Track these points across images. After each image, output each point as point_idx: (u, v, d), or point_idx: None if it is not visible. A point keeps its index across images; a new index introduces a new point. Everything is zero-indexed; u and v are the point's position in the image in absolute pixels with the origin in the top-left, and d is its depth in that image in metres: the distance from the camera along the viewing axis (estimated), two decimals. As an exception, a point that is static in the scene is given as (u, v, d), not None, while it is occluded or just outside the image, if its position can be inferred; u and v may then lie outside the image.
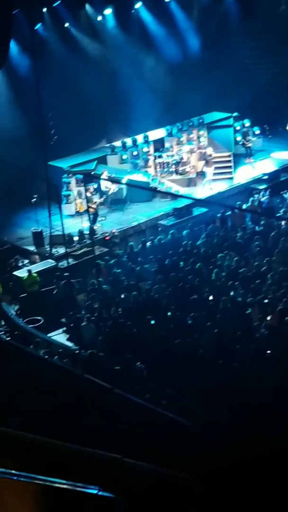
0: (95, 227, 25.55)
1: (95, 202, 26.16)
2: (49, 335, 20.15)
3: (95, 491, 5.46)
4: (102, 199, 26.77)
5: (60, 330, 20.48)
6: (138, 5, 32.94)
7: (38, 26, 29.22)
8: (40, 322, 20.59)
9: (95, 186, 27.53)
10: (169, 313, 19.16)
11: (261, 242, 22.84)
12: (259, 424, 13.86)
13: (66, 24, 30.87)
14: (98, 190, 27.51)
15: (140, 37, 33.31)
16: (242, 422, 14.01)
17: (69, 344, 19.42)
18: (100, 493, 5.46)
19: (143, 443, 9.43)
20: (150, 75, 32.42)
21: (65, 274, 22.36)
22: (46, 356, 16.40)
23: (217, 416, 14.49)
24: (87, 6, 31.48)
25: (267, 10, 36.70)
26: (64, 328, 20.42)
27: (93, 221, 25.83)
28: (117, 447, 7.21)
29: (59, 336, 20.16)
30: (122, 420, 10.63)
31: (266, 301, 18.96)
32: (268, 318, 18.15)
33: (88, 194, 26.24)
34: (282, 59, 36.42)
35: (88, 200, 25.98)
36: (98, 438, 8.67)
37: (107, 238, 24.62)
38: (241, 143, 31.58)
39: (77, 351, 17.79)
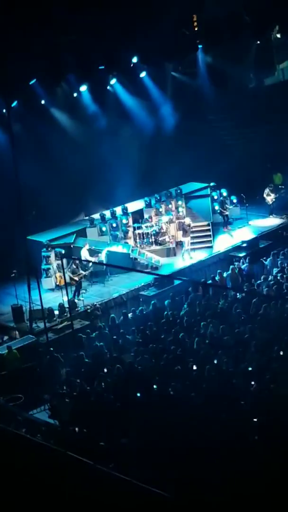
0: (78, 300, 25.39)
1: (79, 274, 26.04)
2: (31, 413, 19.71)
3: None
4: (87, 272, 26.60)
5: (43, 407, 20.05)
6: (113, 81, 33.46)
7: (15, 103, 29.45)
8: (21, 400, 20.15)
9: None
10: (155, 386, 18.86)
11: (243, 309, 22.77)
12: (248, 499, 13.55)
13: (42, 102, 31.16)
14: (80, 263, 27.35)
15: (116, 112, 33.74)
16: (233, 499, 13.68)
17: (51, 421, 18.98)
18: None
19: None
20: (126, 148, 32.73)
21: (50, 348, 22.06)
22: (28, 435, 16.00)
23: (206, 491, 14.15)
24: (63, 84, 31.90)
25: (239, 85, 37.64)
26: (48, 405, 19.99)
27: (77, 294, 25.68)
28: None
29: (41, 414, 19.72)
30: (107, 497, 10.31)
31: (250, 369, 18.75)
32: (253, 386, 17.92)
33: (74, 266, 26.12)
34: (255, 130, 37.09)
35: (73, 272, 25.89)
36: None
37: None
38: (218, 211, 31.78)
39: (59, 429, 17.36)
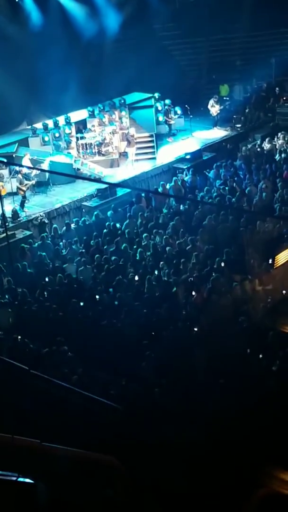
0: (24, 211, 25.19)
1: (26, 185, 25.73)
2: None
3: (14, 478, 5.30)
4: (33, 182, 26.25)
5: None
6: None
7: None
8: None
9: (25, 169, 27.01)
10: (97, 296, 19.01)
11: (185, 221, 22.93)
12: (185, 405, 13.90)
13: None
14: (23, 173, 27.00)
15: (59, 17, 32.87)
16: (169, 403, 14.03)
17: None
18: (19, 479, 5.30)
19: (64, 427, 9.29)
20: (69, 55, 32.00)
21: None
22: None
23: (143, 397, 14.47)
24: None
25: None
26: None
27: (21, 205, 25.44)
28: (39, 433, 7.05)
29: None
30: (42, 404, 10.45)
31: (191, 279, 19.00)
32: (193, 295, 18.19)
33: (20, 176, 25.74)
34: (201, 40, 36.67)
35: (20, 182, 25.56)
36: (18, 424, 8.48)
37: None
38: (164, 121, 31.52)
39: (1, 336, 17.44)
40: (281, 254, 19.71)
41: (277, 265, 19.52)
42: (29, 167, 26.02)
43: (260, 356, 15.47)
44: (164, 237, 21.85)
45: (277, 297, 18.69)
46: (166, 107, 32.05)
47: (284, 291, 18.85)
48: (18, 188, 25.59)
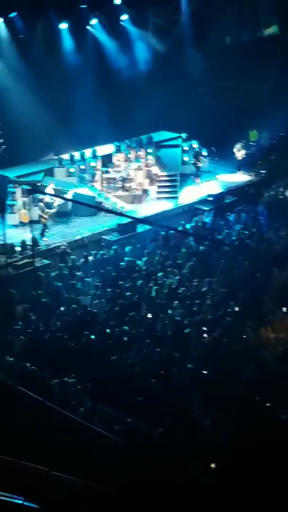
0: (43, 240, 25.40)
1: (47, 213, 25.98)
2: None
3: (20, 501, 5.39)
4: (54, 210, 26.50)
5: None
6: (93, 21, 33.07)
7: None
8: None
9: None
10: (108, 330, 19.10)
11: (202, 262, 23.02)
12: (192, 442, 13.91)
13: (21, 36, 30.71)
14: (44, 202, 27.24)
15: (93, 53, 33.38)
16: (174, 440, 14.04)
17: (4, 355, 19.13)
18: (25, 503, 5.39)
19: (73, 457, 9.36)
20: (101, 90, 32.46)
21: (5, 283, 22.11)
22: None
23: (150, 433, 14.48)
24: (43, 19, 31.42)
25: (218, 36, 37.45)
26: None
27: (41, 233, 25.66)
28: (46, 460, 7.13)
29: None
30: (53, 434, 10.52)
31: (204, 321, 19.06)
32: (206, 338, 18.23)
33: (42, 204, 26.01)
34: (230, 84, 37.04)
35: (42, 210, 25.83)
36: (27, 450, 8.57)
37: None
38: (192, 162, 31.72)
39: (11, 363, 17.52)
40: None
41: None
42: (53, 195, 26.25)
43: (269, 404, 15.45)
44: (180, 277, 21.94)
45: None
46: (196, 149, 32.20)
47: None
48: (40, 216, 25.84)
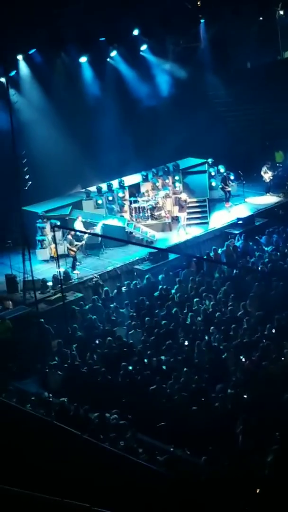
0: (75, 273, 25.40)
1: (76, 245, 25.97)
2: (23, 382, 19.76)
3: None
4: (83, 243, 26.53)
5: (34, 378, 20.09)
6: (113, 53, 33.30)
7: (13, 73, 29.26)
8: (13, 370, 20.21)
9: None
10: (145, 360, 18.94)
11: (236, 286, 22.81)
12: (240, 470, 13.65)
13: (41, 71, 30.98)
14: (74, 234, 27.25)
15: (115, 84, 33.59)
16: (221, 469, 13.80)
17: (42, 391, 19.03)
18: None
19: (114, 492, 9.17)
20: (125, 120, 32.57)
21: (40, 319, 22.07)
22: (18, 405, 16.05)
23: (196, 464, 14.26)
24: (63, 54, 31.70)
25: (239, 61, 37.56)
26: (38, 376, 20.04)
27: (72, 266, 25.66)
28: (87, 496, 6.97)
29: (33, 384, 19.76)
30: (93, 468, 10.35)
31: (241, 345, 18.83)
32: (245, 362, 17.99)
33: (70, 237, 26.05)
34: (253, 107, 37.06)
35: (70, 243, 25.85)
36: (68, 487, 8.40)
37: None
38: (220, 187, 31.59)
39: (49, 399, 17.41)
40: None
41: None
42: (81, 231, 26.29)
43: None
44: (214, 302, 21.76)
45: None
46: (224, 173, 32.08)
47: None
48: (68, 248, 25.85)
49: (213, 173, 32.64)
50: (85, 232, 26.36)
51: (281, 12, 37.49)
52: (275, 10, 37.36)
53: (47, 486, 7.08)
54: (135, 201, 30.22)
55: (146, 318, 21.22)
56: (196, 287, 23.28)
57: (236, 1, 35.46)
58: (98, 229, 26.97)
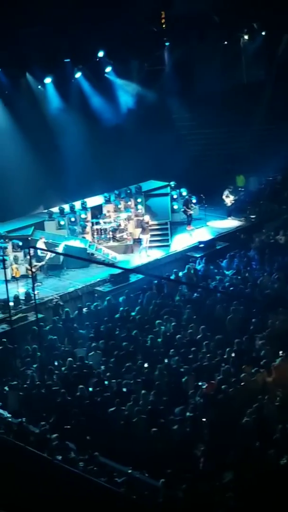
0: (34, 293, 25.30)
1: (35, 266, 25.90)
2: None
3: None
4: (43, 263, 26.48)
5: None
6: (78, 74, 33.50)
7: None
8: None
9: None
10: (106, 382, 18.96)
11: (196, 309, 22.94)
12: (196, 492, 13.73)
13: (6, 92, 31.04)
14: (35, 255, 27.20)
15: (79, 105, 33.79)
16: (177, 490, 13.85)
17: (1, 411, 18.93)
18: None
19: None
20: (88, 142, 32.72)
21: (3, 339, 21.97)
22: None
23: (154, 486, 14.29)
24: (27, 75, 31.83)
25: (203, 84, 37.96)
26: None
27: (32, 287, 25.55)
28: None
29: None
30: (52, 487, 10.35)
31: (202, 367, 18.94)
32: (204, 386, 18.07)
33: (29, 258, 25.94)
34: (216, 131, 37.48)
35: (29, 263, 25.77)
36: (28, 504, 8.39)
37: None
38: (182, 210, 31.74)
39: (9, 419, 17.33)
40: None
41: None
42: (44, 250, 26.24)
43: (270, 450, 15.24)
44: (175, 324, 21.84)
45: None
46: (186, 196, 32.28)
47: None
48: (26, 269, 25.76)
49: (175, 196, 32.79)
50: (48, 251, 26.26)
51: (246, 37, 38.04)
52: (239, 35, 37.92)
53: (6, 504, 7.08)
54: (97, 223, 30.29)
55: (106, 341, 21.22)
56: (157, 310, 23.35)
57: (201, 25, 35.87)
58: (60, 250, 26.96)
